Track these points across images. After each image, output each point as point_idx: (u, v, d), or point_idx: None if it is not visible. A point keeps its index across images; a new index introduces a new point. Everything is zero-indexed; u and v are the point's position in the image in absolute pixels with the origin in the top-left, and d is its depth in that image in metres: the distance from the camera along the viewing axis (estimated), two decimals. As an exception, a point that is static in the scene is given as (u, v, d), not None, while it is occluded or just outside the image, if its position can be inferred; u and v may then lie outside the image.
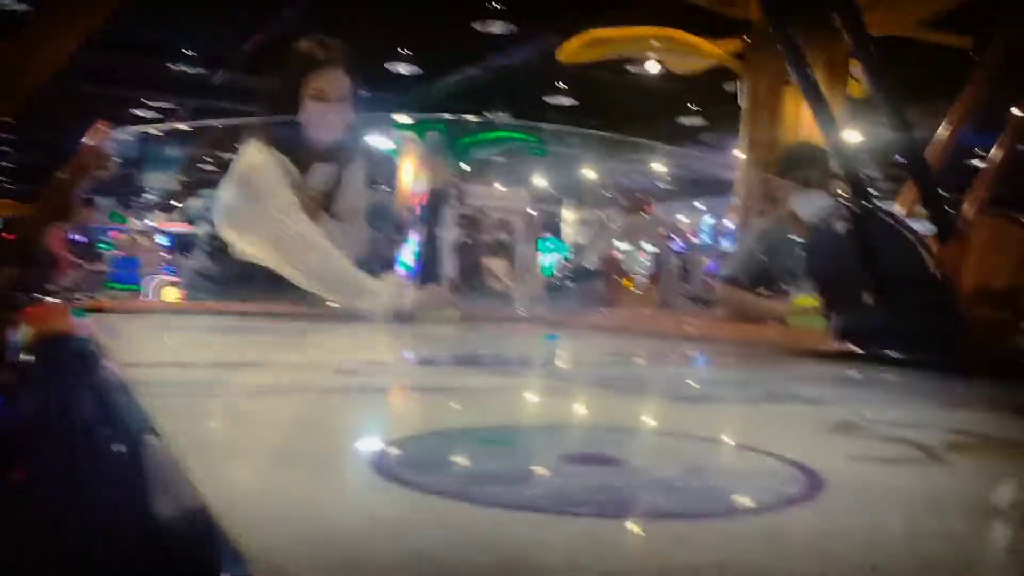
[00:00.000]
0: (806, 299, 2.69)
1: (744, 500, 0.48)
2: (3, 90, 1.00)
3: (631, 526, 0.41)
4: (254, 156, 2.10)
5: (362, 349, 1.53)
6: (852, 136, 5.34)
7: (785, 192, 3.16)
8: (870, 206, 1.30)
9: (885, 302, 1.25)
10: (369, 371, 1.10)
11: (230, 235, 2.05)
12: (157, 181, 17.00)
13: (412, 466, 0.53)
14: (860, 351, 1.24)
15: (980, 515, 0.48)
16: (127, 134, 1.70)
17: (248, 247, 2.04)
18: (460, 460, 0.57)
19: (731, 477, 0.54)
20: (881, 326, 1.25)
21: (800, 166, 3.09)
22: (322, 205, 2.15)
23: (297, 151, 2.11)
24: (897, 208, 1.90)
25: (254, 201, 2.04)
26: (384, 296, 1.91)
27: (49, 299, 1.59)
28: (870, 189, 1.36)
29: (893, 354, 1.19)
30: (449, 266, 2.40)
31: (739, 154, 5.99)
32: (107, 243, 11.42)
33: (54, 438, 0.74)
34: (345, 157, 2.22)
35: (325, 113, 2.11)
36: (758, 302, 3.05)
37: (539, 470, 0.53)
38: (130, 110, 11.72)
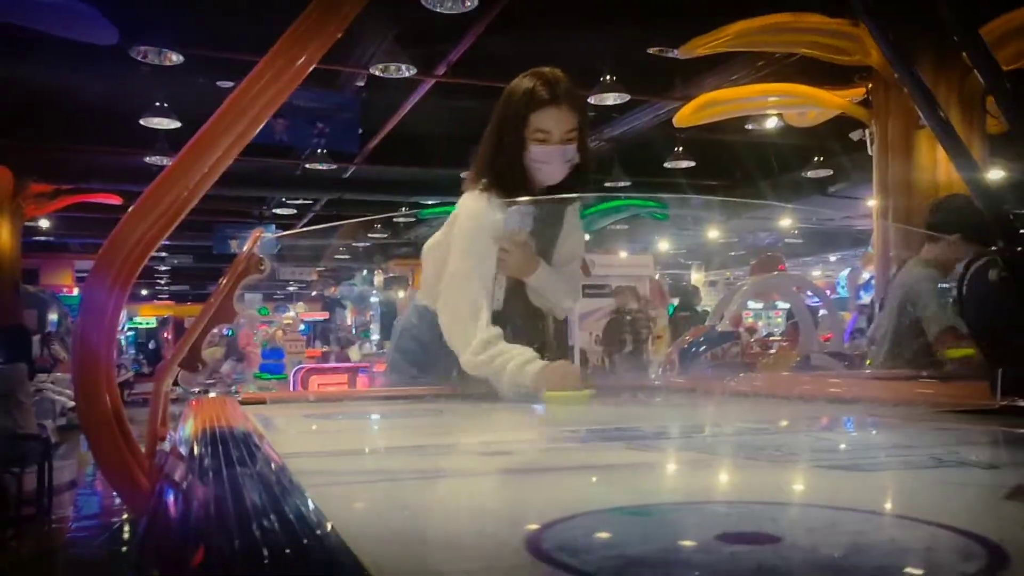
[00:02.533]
0: (963, 350, 2.55)
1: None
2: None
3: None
4: (474, 207, 1.98)
5: (508, 429, 1.55)
6: (996, 175, 5.05)
7: (933, 241, 3.08)
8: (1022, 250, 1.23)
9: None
10: (517, 451, 1.11)
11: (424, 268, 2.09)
12: (296, 274, 18.05)
13: (567, 549, 0.53)
14: (1028, 406, 1.16)
15: None
16: (273, 234, 1.82)
17: (427, 294, 2.06)
18: (614, 542, 0.57)
19: (904, 554, 0.51)
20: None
21: (947, 215, 3.04)
22: (539, 253, 2.04)
23: (518, 195, 1.97)
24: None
25: (457, 257, 1.96)
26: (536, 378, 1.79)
27: (210, 392, 1.70)
28: (1022, 231, 1.28)
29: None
30: (582, 338, 2.35)
31: (873, 203, 5.77)
32: (255, 336, 12.14)
33: (226, 529, 0.79)
34: (568, 202, 2.06)
35: (549, 156, 1.95)
36: None
37: (697, 552, 0.53)
38: (268, 208, 12.53)
